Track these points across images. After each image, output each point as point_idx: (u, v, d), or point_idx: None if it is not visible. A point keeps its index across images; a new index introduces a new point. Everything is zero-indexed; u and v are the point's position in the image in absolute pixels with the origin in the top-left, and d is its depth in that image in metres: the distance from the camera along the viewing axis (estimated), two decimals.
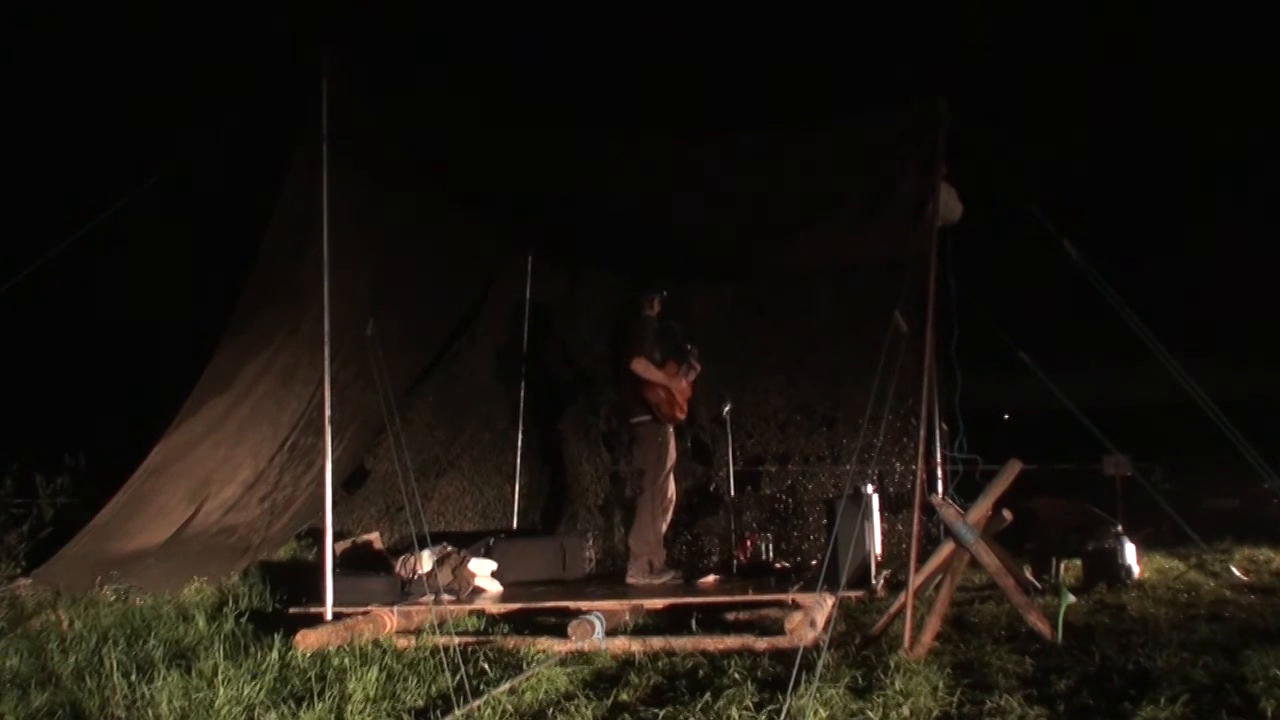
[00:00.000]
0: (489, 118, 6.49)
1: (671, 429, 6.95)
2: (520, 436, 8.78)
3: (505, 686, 4.06)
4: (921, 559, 5.06)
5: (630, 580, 6.67)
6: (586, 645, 4.84)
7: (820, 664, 3.88)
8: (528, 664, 4.54)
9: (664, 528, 6.94)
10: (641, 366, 6.77)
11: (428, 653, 4.71)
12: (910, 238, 5.85)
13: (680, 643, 4.82)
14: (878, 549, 6.66)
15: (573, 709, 3.72)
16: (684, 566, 7.41)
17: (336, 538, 6.09)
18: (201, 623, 5.48)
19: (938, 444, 7.45)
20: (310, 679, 4.18)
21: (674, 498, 7.02)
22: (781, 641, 4.69)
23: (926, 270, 5.42)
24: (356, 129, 5.89)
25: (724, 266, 8.30)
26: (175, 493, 6.53)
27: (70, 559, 6.21)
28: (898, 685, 3.77)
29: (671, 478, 6.95)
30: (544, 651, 4.82)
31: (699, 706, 3.66)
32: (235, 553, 6.97)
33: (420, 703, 3.93)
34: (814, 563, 7.16)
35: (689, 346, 7.10)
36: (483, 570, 6.52)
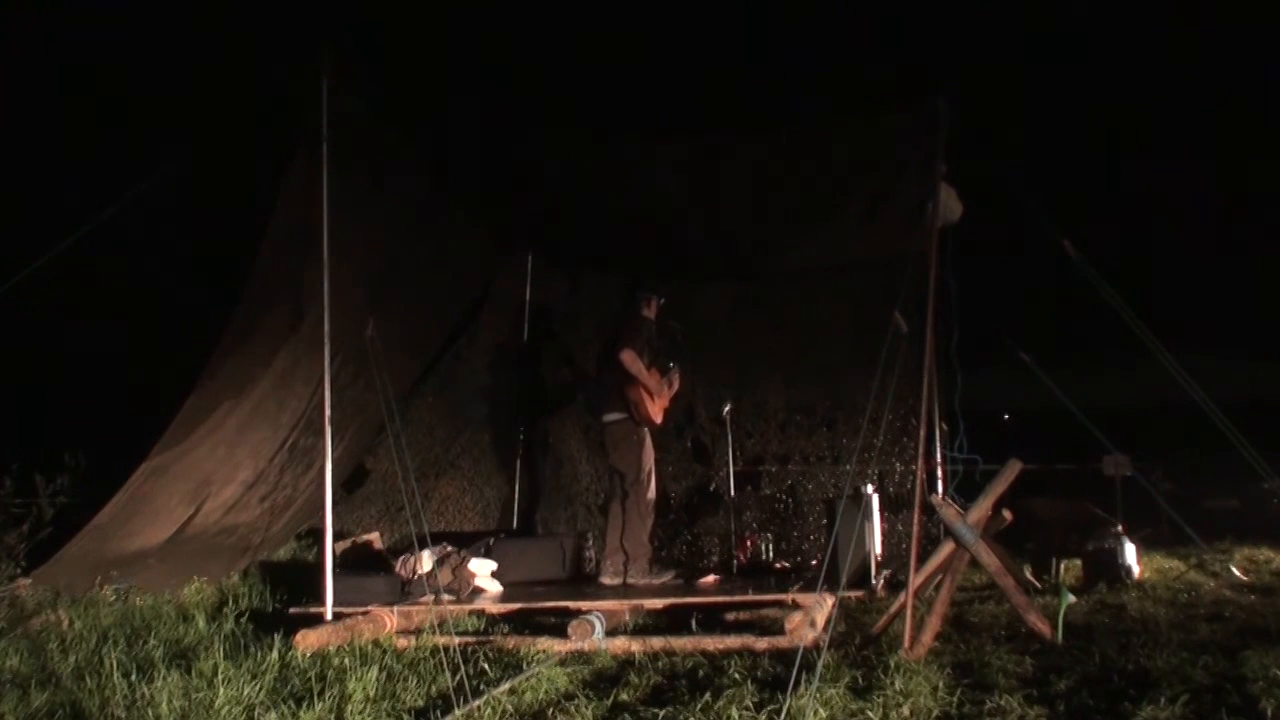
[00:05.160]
0: (488, 117, 6.49)
1: (647, 430, 6.86)
2: (520, 436, 8.78)
3: (505, 686, 4.05)
4: (921, 559, 5.06)
5: (630, 580, 6.66)
6: (586, 645, 4.84)
7: (820, 664, 3.88)
8: (528, 664, 4.54)
9: (649, 527, 6.90)
10: (630, 359, 6.67)
11: (428, 653, 4.70)
12: (910, 237, 5.84)
13: (680, 643, 4.82)
14: (878, 549, 6.66)
15: (573, 709, 3.72)
16: (684, 566, 7.40)
17: (336, 538, 6.08)
18: (201, 623, 5.48)
19: (938, 444, 7.45)
20: (310, 679, 4.17)
21: (654, 498, 6.94)
22: (781, 641, 4.68)
23: (926, 270, 5.43)
24: (356, 129, 5.90)
25: (724, 266, 8.30)
26: (175, 493, 6.53)
27: (70, 559, 6.21)
28: (898, 685, 3.77)
29: (653, 479, 6.90)
30: (544, 651, 4.82)
31: (699, 706, 3.65)
32: (235, 553, 6.97)
33: (420, 703, 3.93)
34: (814, 563, 7.15)
35: (671, 365, 7.08)
36: (483, 570, 6.52)
